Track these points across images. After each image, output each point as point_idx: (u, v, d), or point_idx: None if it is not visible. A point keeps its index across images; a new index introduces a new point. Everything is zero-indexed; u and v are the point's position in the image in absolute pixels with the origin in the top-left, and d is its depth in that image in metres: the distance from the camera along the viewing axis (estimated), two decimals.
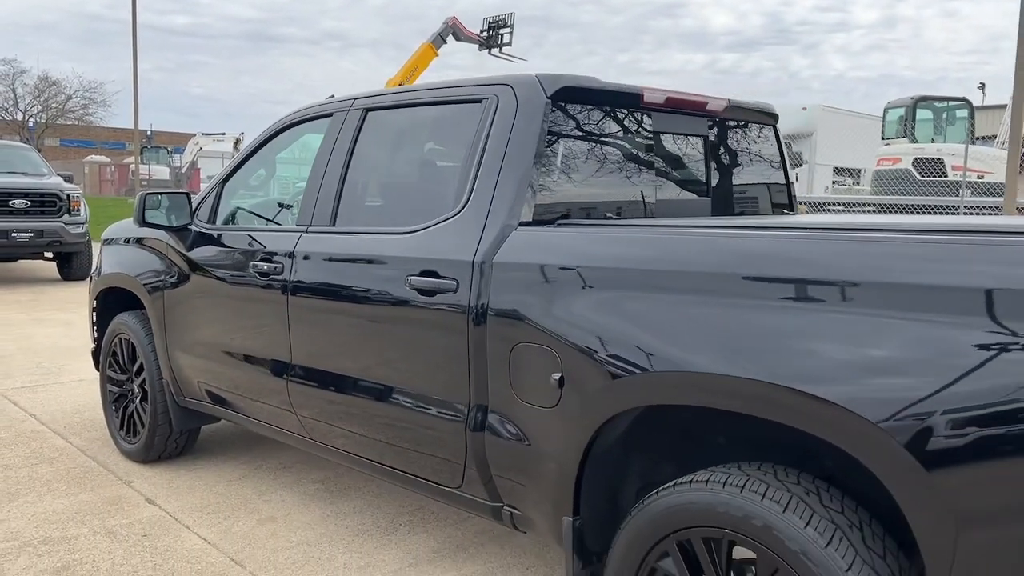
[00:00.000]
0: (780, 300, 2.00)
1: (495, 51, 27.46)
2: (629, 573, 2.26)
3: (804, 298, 1.96)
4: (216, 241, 3.90)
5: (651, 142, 3.14)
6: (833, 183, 19.85)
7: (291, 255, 3.40)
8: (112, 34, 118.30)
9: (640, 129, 3.09)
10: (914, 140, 15.99)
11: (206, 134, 42.73)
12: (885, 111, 16.97)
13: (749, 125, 3.59)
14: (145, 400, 4.49)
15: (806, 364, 1.91)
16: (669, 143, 3.23)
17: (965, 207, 12.41)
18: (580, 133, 2.88)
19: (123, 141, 51.15)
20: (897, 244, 1.90)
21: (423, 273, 2.83)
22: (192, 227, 4.06)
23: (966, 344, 1.69)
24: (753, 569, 2.07)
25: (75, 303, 10.30)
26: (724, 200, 3.44)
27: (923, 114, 16.50)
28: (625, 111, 3.03)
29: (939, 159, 14.62)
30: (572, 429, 2.40)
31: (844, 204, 15.34)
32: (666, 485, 2.21)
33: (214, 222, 4.04)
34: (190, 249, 4.03)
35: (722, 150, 3.46)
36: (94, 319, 5.00)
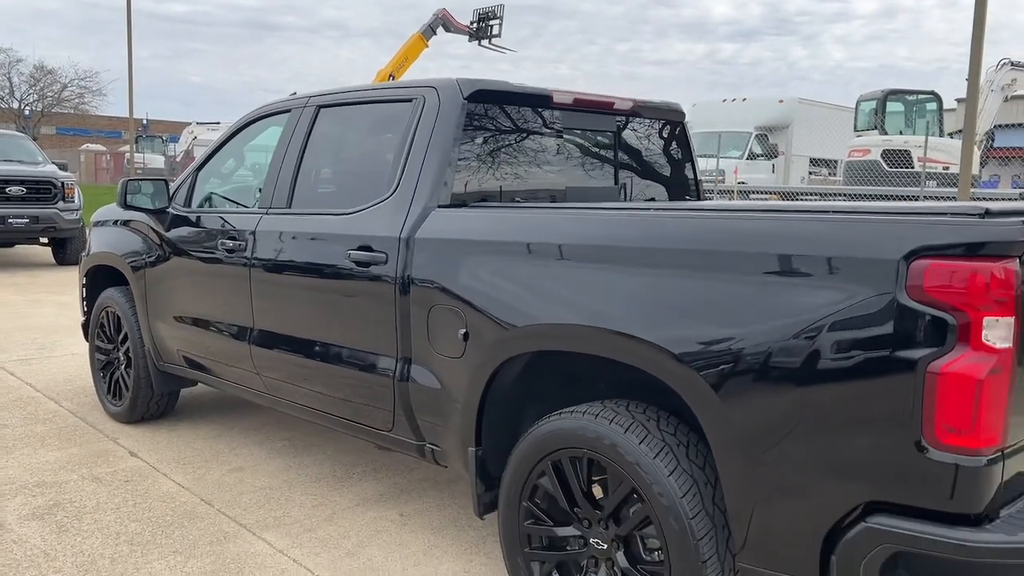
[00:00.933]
0: (622, 266, 2.50)
1: (485, 43, 27.78)
2: (517, 489, 2.77)
3: (637, 263, 2.46)
4: (190, 222, 4.39)
5: (563, 137, 3.63)
6: (810, 174, 20.36)
7: (253, 233, 3.89)
8: (110, 21, 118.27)
9: (552, 126, 3.58)
10: (884, 132, 16.49)
11: (200, 123, 43.06)
12: (858, 103, 17.47)
13: (657, 122, 4.08)
14: (129, 367, 4.98)
15: (637, 314, 2.41)
16: (580, 138, 3.72)
17: (926, 197, 12.91)
18: (495, 129, 3.37)
19: (119, 130, 51.38)
20: (688, 220, 2.41)
21: (360, 248, 3.32)
22: (170, 210, 4.54)
23: (739, 297, 2.20)
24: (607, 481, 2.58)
25: (69, 285, 10.78)
26: (632, 188, 3.93)
27: (894, 107, 17.00)
28: (538, 110, 3.52)
29: (906, 151, 15.13)
30: (474, 374, 2.90)
31: (818, 194, 15.85)
32: (544, 417, 2.72)
33: (190, 205, 4.52)
34: (168, 230, 4.51)
35: (630, 144, 3.95)
36: (84, 294, 5.49)
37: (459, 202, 3.22)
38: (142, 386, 4.91)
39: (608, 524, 2.56)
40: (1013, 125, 17.88)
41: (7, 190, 11.96)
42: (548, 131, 3.58)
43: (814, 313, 2.06)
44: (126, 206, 4.46)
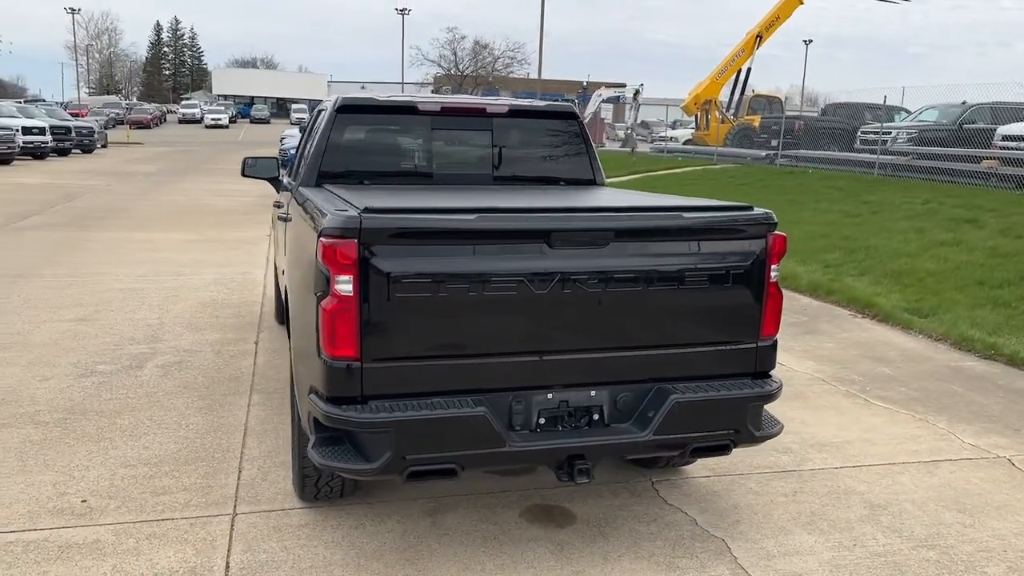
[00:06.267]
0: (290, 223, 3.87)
1: None
2: None
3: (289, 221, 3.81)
4: (283, 188, 6.40)
5: (431, 137, 4.83)
6: None
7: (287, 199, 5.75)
8: None
9: (421, 126, 4.81)
10: None
11: (608, 85, 46.57)
12: None
13: (547, 119, 4.98)
14: None
15: (284, 256, 3.77)
16: (453, 136, 4.87)
17: None
18: (366, 130, 4.75)
19: (533, 91, 57.83)
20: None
21: (283, 209, 4.98)
22: (280, 179, 6.60)
23: (298, 242, 3.47)
24: None
25: None
26: (512, 177, 4.91)
27: None
28: (407, 116, 4.78)
29: None
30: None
31: None
32: None
33: (293, 178, 6.53)
34: (278, 192, 6.59)
35: (512, 138, 4.94)
36: None
37: (322, 182, 4.69)
38: (280, 303, 7.14)
39: None
40: None
41: None
42: (417, 130, 4.82)
43: (310, 259, 3.28)
44: (244, 175, 6.63)
